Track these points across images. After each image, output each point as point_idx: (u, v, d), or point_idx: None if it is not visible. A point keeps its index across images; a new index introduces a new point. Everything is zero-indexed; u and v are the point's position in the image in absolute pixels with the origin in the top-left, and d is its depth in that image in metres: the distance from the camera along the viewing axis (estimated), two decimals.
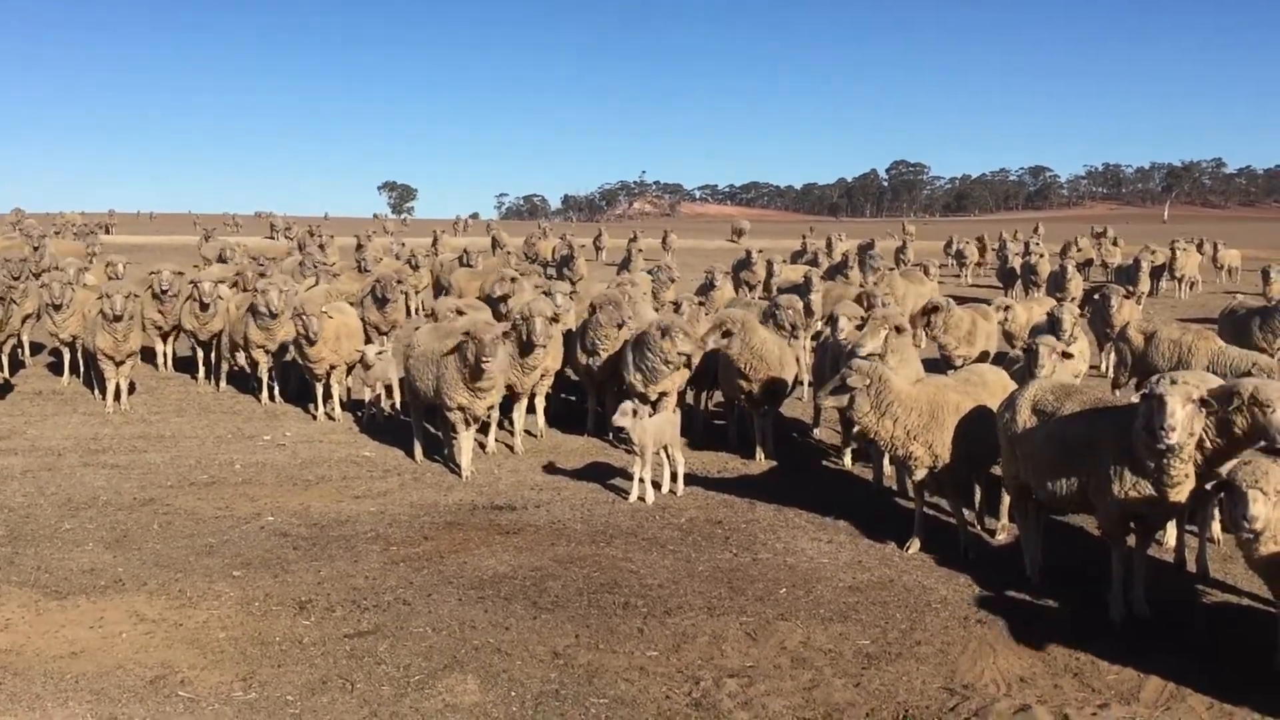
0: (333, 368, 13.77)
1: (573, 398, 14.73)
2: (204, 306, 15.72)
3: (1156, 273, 30.30)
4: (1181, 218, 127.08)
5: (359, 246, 32.40)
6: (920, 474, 8.78)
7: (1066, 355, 10.25)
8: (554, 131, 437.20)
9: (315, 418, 13.80)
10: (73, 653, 6.80)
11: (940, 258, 37.77)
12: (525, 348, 11.59)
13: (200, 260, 33.53)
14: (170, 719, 5.99)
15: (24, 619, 7.32)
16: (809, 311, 17.55)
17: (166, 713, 6.05)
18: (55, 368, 16.95)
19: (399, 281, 17.77)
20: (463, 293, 19.86)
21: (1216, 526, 8.80)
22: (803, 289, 17.85)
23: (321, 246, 29.73)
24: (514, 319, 11.83)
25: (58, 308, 15.74)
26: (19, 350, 17.47)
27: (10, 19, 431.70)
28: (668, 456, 10.52)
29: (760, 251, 26.81)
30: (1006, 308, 15.76)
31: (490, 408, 11.27)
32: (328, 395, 13.96)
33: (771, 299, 15.98)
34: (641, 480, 10.25)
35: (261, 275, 18.55)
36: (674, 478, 10.56)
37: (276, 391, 14.95)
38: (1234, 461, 6.71)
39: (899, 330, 10.42)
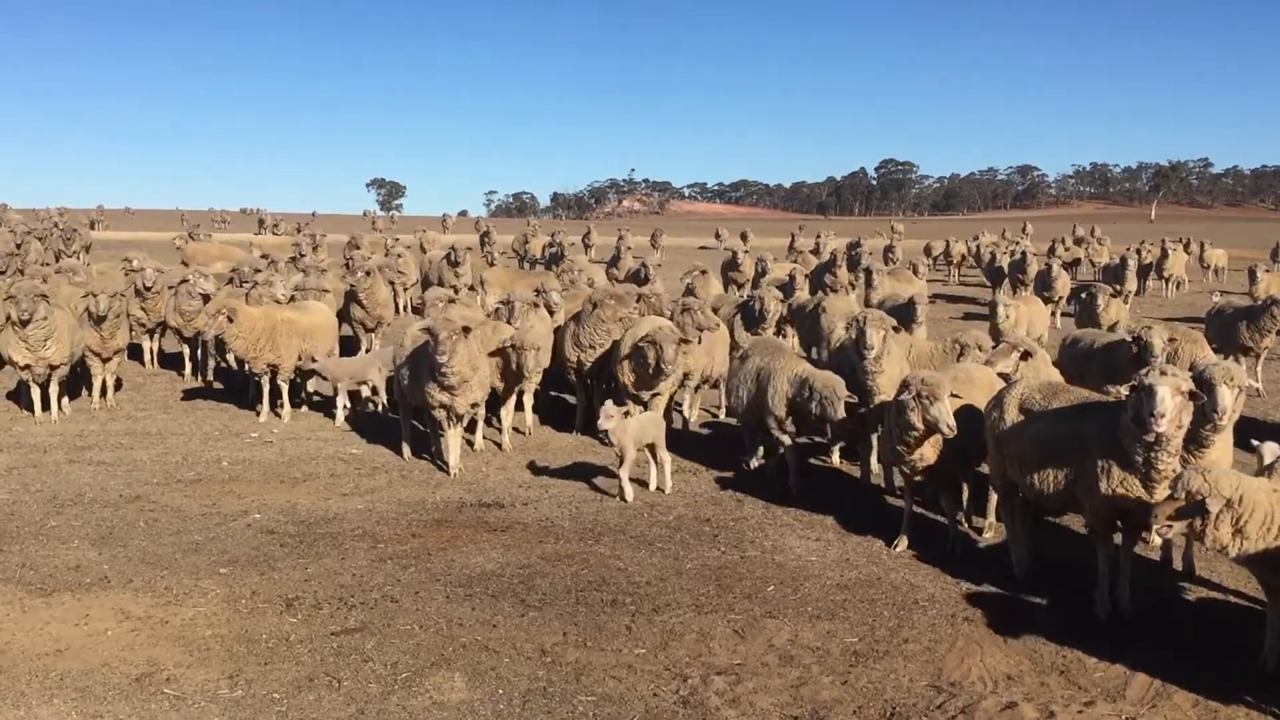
0: (273, 366, 13.37)
1: (562, 395, 14.71)
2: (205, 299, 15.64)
3: (1144, 272, 30.42)
4: (1169, 217, 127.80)
5: (349, 243, 32.32)
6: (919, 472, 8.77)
7: (1026, 355, 10.37)
8: (543, 129, 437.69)
9: (259, 414, 13.59)
10: (58, 650, 6.77)
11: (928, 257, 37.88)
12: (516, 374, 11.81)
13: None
14: (156, 717, 5.97)
15: (9, 616, 7.28)
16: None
17: (152, 711, 6.03)
18: None
19: (368, 273, 17.57)
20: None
21: None
22: (787, 288, 17.86)
23: (315, 247, 29.68)
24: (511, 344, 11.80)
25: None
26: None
27: None
28: (653, 455, 10.52)
29: (746, 252, 26.79)
30: (1002, 305, 15.81)
31: (474, 406, 11.20)
32: (277, 394, 13.65)
33: (752, 294, 16.01)
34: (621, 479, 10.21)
35: (257, 272, 18.43)
36: (660, 476, 10.56)
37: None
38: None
39: (896, 330, 10.52)
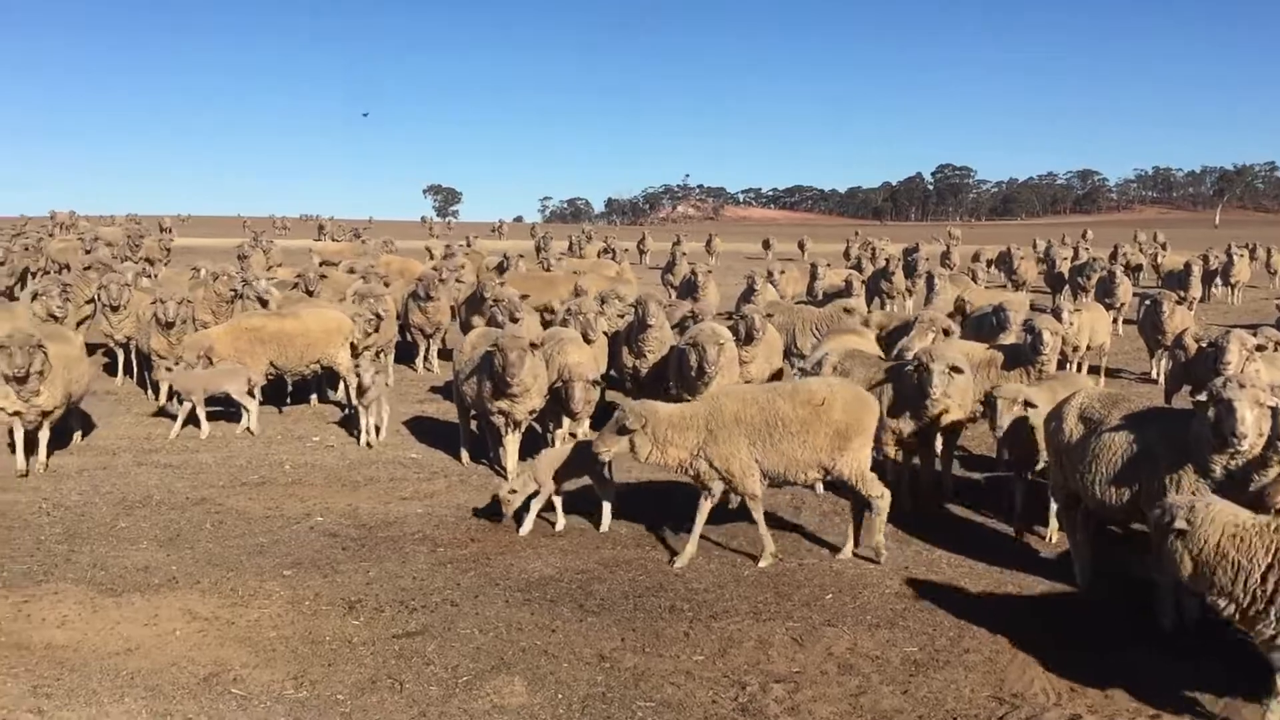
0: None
1: (614, 402, 14.72)
2: (263, 304, 15.94)
3: (1208, 278, 29.81)
4: (1234, 222, 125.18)
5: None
6: None
7: (946, 332, 11.20)
8: (598, 134, 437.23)
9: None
10: (128, 649, 6.92)
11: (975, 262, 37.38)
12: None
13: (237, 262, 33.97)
14: (223, 716, 6.09)
15: (80, 616, 7.46)
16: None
17: (220, 710, 6.15)
18: (110, 368, 17.18)
19: (442, 280, 17.81)
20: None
21: None
22: (844, 294, 17.81)
23: (391, 250, 30.25)
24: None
25: (115, 309, 15.89)
26: None
27: (53, 24, 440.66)
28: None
29: (784, 273, 25.35)
30: (1067, 311, 15.53)
31: (532, 412, 11.24)
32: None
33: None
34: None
35: (323, 279, 18.68)
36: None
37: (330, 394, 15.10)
38: None
39: (947, 333, 10.47)
